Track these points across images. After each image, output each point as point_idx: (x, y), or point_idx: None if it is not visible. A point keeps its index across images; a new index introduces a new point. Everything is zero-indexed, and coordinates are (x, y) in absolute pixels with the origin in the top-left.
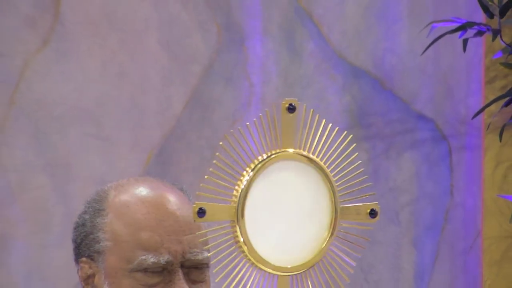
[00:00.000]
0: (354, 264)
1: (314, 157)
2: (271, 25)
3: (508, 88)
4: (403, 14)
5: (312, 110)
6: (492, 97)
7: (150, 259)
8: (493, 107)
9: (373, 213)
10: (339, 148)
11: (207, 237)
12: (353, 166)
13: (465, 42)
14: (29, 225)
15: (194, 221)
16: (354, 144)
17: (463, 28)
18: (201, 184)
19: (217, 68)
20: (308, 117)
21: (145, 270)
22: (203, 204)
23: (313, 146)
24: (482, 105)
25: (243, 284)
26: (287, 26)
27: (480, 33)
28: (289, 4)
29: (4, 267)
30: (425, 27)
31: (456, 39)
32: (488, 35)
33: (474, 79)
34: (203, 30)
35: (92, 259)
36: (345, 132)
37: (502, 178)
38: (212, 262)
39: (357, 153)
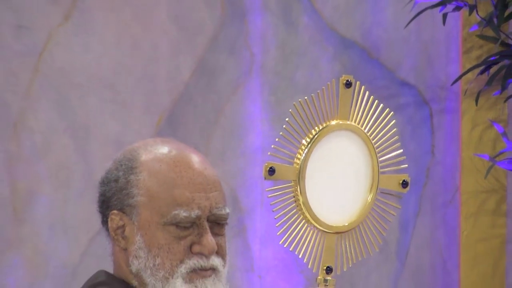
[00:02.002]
0: (387, 228)
1: (361, 128)
2: (270, 1)
3: (483, 58)
4: None
5: (363, 86)
6: (468, 66)
7: (183, 213)
8: (469, 75)
9: (404, 184)
10: (382, 121)
11: (274, 194)
12: (392, 139)
13: (444, 16)
14: (53, 182)
15: (265, 178)
16: (393, 120)
17: (443, 3)
18: (272, 146)
19: (221, 40)
20: (360, 92)
21: (177, 223)
22: (274, 164)
23: (362, 118)
24: (460, 73)
25: (298, 238)
26: (284, 1)
27: (458, 8)
28: None
29: (30, 219)
30: (408, 2)
31: (437, 13)
32: (465, 10)
33: (453, 50)
34: (208, 5)
35: (123, 212)
36: (382, 105)
37: (478, 139)
38: (275, 217)
39: (395, 129)
